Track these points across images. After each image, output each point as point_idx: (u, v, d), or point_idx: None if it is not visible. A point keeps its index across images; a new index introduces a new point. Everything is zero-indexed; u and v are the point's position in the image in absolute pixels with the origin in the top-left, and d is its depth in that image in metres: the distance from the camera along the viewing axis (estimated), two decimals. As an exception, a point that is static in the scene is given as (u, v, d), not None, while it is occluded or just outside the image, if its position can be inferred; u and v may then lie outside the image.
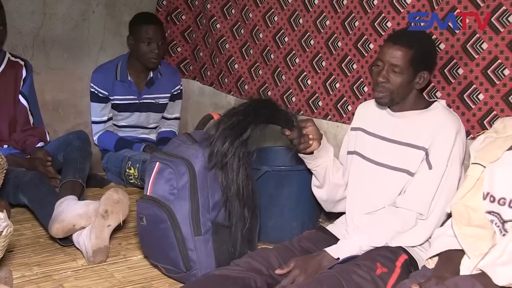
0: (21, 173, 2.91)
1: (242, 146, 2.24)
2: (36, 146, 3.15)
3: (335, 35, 2.94)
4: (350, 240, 2.19)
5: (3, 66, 3.16)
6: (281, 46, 3.21)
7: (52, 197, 2.74)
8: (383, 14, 2.72)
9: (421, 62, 2.22)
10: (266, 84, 3.32)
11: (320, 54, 3.02)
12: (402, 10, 2.65)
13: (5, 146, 3.15)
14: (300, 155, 2.37)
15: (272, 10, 3.23)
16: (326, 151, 2.34)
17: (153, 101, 3.62)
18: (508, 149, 1.94)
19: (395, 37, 2.31)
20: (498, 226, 1.90)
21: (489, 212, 1.93)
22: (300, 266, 2.10)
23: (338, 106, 2.97)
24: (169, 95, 3.67)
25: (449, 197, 2.12)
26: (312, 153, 2.33)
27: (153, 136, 3.73)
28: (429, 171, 2.18)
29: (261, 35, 3.30)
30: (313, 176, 2.43)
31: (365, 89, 2.84)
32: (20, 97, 3.21)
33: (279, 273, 2.11)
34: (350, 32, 2.87)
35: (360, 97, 2.85)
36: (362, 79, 2.85)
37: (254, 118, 2.24)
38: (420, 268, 2.12)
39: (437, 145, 2.18)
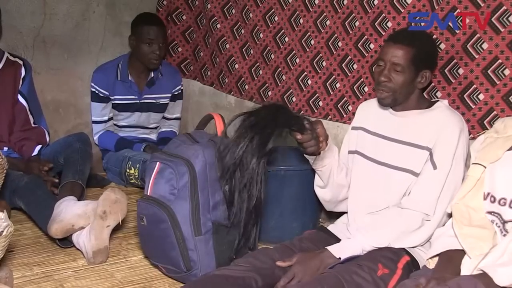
0: (17, 177, 2.89)
1: (264, 157, 2.21)
2: (33, 155, 3.13)
3: (336, 35, 2.94)
4: (353, 239, 2.18)
5: (1, 65, 3.13)
6: (281, 46, 3.21)
7: (49, 200, 2.73)
8: (383, 14, 2.72)
9: (423, 60, 2.22)
10: (267, 84, 3.32)
11: (321, 54, 3.02)
12: (402, 10, 2.65)
13: (5, 148, 3.13)
14: (307, 156, 2.33)
15: (273, 10, 3.23)
16: (332, 152, 2.32)
17: (154, 101, 3.62)
18: (509, 149, 1.93)
19: (395, 36, 2.31)
20: (499, 227, 1.90)
21: (490, 213, 1.92)
22: (301, 262, 2.10)
23: (338, 106, 2.97)
24: (169, 95, 3.67)
25: (453, 197, 2.10)
26: (318, 153, 2.30)
27: (153, 136, 3.73)
28: (434, 171, 2.17)
29: (261, 35, 3.30)
30: (316, 176, 2.41)
31: (366, 89, 2.84)
32: (19, 96, 3.18)
33: (281, 265, 2.11)
34: (351, 32, 2.87)
35: (361, 97, 2.85)
36: (362, 79, 2.85)
37: (273, 129, 2.18)
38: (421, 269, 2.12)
39: (442, 144, 2.17)
